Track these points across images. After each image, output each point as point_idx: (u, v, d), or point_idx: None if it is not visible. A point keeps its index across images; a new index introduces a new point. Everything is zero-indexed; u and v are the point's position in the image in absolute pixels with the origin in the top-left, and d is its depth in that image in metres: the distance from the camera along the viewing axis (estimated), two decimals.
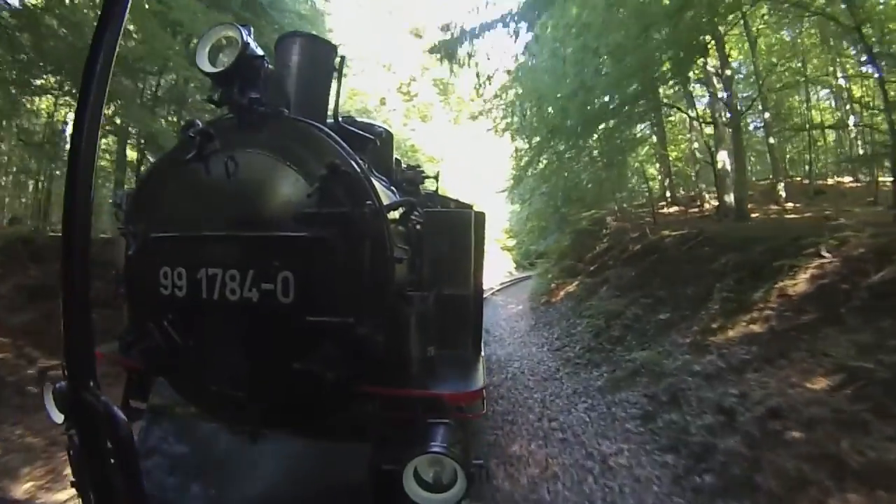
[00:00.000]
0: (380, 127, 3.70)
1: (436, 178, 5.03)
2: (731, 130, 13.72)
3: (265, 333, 2.41)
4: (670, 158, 19.36)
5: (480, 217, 3.51)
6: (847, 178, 17.38)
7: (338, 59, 3.24)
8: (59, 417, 2.48)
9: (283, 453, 2.47)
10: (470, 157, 33.09)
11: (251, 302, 2.35)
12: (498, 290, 22.97)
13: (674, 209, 17.66)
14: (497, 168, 29.60)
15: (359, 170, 2.49)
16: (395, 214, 2.69)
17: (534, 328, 13.76)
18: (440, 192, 5.84)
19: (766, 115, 16.55)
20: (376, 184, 2.65)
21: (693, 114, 16.13)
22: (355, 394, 2.46)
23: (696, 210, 16.77)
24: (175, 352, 2.54)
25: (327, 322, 2.32)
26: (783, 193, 15.18)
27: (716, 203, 14.97)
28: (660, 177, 20.84)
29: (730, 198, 13.16)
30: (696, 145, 18.27)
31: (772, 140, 17.02)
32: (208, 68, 2.40)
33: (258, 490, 2.40)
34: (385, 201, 2.59)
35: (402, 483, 2.16)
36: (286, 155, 2.48)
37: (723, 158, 13.72)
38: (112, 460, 0.95)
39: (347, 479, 2.35)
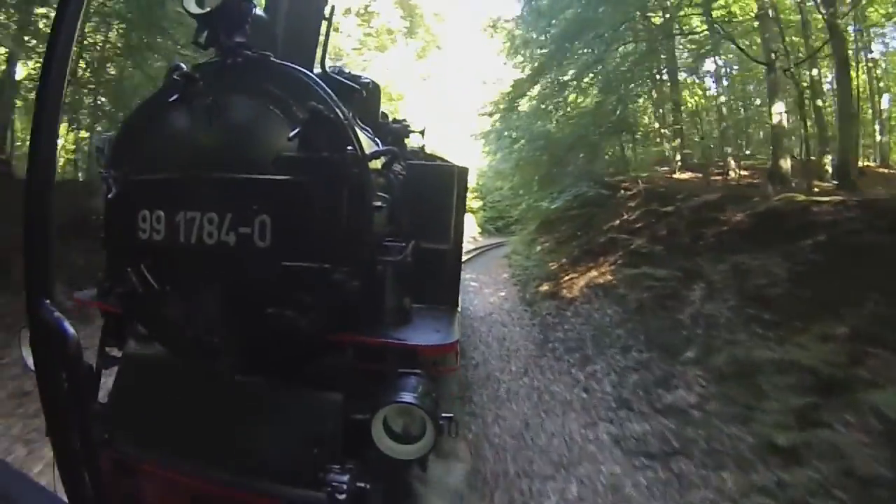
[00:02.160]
0: (367, 78, 3.85)
1: (422, 133, 5.19)
2: (810, 64, 11.99)
3: (241, 278, 2.64)
4: (683, 111, 17.11)
5: (463, 172, 3.72)
6: (871, 162, 16.80)
7: (328, 8, 3.45)
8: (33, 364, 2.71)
9: (255, 400, 2.73)
10: (436, 95, 31.89)
11: (228, 246, 2.57)
12: (464, 262, 16.78)
13: (686, 175, 15.59)
14: (465, 112, 27.96)
15: (341, 116, 2.70)
16: (377, 164, 2.93)
17: (545, 350, 8.28)
18: (426, 149, 6.05)
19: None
20: (360, 133, 2.87)
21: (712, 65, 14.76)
22: (329, 341, 2.70)
23: (719, 178, 14.49)
24: (151, 296, 2.80)
25: (303, 267, 2.54)
26: (829, 169, 12.79)
27: (741, 172, 13.85)
28: (664, 137, 18.28)
29: (786, 163, 11.91)
30: (721, 99, 16.60)
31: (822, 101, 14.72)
32: (194, 9, 2.57)
33: (229, 435, 2.65)
34: (368, 151, 2.81)
35: (370, 433, 2.39)
36: (270, 99, 2.70)
37: (779, 111, 12.06)
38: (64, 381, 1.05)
39: (319, 428, 2.58)
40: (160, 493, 2.63)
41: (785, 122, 12.26)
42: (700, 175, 15.19)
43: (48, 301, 1.00)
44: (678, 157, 16.60)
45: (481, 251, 24.40)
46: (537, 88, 16.95)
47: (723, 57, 16.94)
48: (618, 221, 12.29)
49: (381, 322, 2.89)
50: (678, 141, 16.75)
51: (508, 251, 21.57)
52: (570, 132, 15.70)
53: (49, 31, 1.07)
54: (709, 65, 17.94)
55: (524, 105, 17.86)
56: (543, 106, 16.94)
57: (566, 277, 11.91)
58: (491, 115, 19.39)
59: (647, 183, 14.30)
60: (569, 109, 16.72)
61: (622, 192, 14.20)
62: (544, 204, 17.23)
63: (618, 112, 14.52)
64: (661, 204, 11.19)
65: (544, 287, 12.36)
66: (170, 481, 2.54)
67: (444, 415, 2.46)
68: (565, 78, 15.58)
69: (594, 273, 10.81)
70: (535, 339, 9.00)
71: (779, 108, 12.13)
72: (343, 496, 2.26)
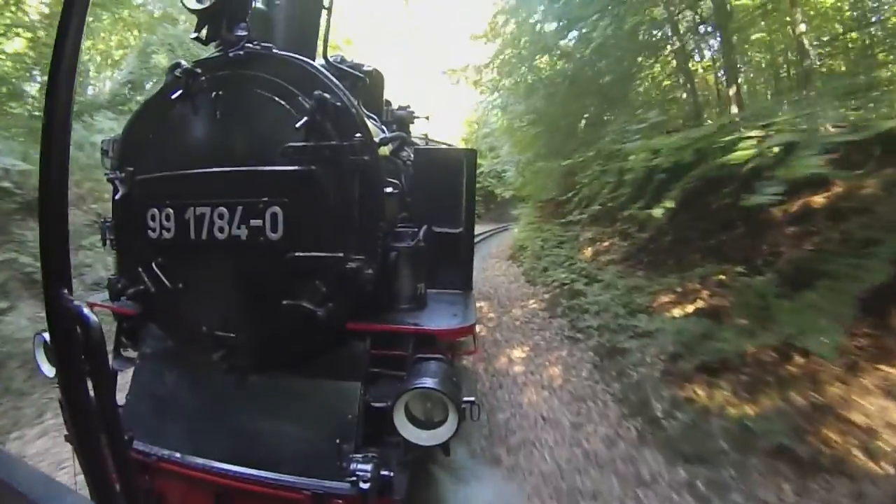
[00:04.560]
0: (370, 66, 3.94)
1: (427, 118, 5.30)
2: None
3: (254, 271, 2.74)
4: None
5: (472, 155, 3.80)
6: None
7: None
8: (49, 371, 2.89)
9: (273, 393, 2.81)
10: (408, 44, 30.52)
11: (239, 240, 2.67)
12: None
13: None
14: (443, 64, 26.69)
15: (348, 104, 2.78)
16: (385, 150, 2.99)
17: None
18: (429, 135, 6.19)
19: None
20: (367, 120, 2.95)
21: None
22: (345, 331, 2.77)
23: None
24: (164, 295, 2.91)
25: (316, 257, 2.63)
26: None
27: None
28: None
29: None
30: (801, 27, 9.70)
31: None
32: (194, 5, 2.69)
33: (248, 428, 2.74)
34: (376, 137, 2.91)
35: (392, 420, 2.45)
36: (274, 90, 2.78)
37: None
38: (87, 379, 1.03)
39: (340, 418, 2.65)
40: (182, 493, 2.71)
41: None
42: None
43: (66, 291, 1.01)
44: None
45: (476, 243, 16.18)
46: None
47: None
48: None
49: (398, 308, 2.99)
50: (735, 89, 10.61)
51: (512, 245, 16.50)
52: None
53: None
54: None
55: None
56: None
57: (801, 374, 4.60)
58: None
59: None
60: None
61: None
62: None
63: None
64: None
65: (722, 392, 4.91)
66: (192, 479, 2.61)
67: (465, 399, 2.52)
68: None
69: None
70: None
71: None
72: (367, 485, 2.31)
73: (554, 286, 9.99)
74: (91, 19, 12.46)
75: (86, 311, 1.00)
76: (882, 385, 4.15)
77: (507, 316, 9.35)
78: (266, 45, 2.94)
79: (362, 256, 2.66)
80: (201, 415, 2.85)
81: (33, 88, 10.94)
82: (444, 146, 5.68)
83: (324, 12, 3.64)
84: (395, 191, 2.92)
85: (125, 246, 3.16)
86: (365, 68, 3.83)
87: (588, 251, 10.31)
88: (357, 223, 2.70)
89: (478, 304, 7.63)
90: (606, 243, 9.89)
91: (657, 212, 7.14)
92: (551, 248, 12.16)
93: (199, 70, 2.83)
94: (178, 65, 2.90)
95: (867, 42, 10.29)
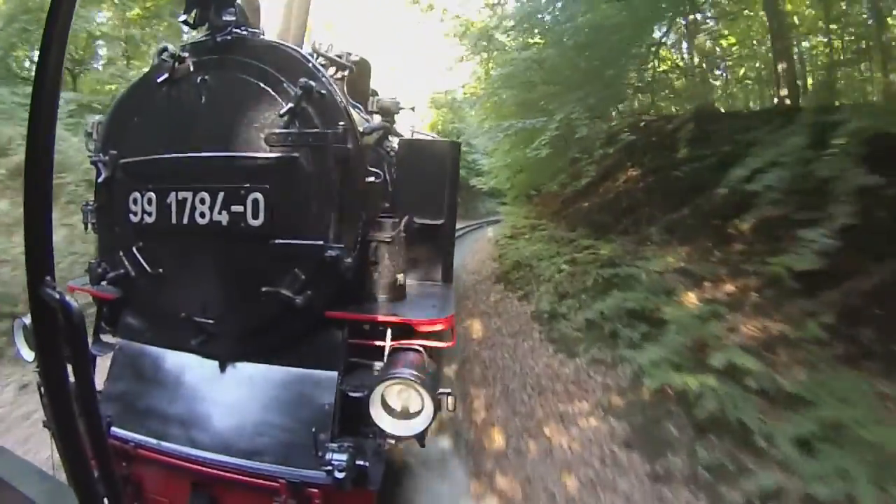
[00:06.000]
0: (356, 55, 3.96)
1: (412, 109, 5.33)
2: None
3: (234, 257, 2.76)
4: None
5: (456, 147, 3.84)
6: None
7: None
8: (28, 355, 2.88)
9: (251, 380, 2.83)
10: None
11: (220, 225, 2.69)
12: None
13: None
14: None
15: (333, 92, 2.79)
16: (369, 139, 3.01)
17: None
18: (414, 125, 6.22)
19: None
20: (352, 109, 2.97)
21: None
22: (324, 319, 2.79)
23: None
24: (144, 280, 2.93)
25: (297, 244, 2.66)
26: None
27: None
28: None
29: None
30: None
31: None
32: None
33: (226, 414, 2.76)
34: (360, 126, 2.91)
35: (368, 410, 2.49)
36: (260, 76, 2.79)
37: None
38: (67, 367, 1.04)
39: (316, 407, 2.68)
40: (159, 480, 2.72)
41: None
42: None
43: (49, 278, 1.02)
44: (780, 87, 9.40)
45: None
46: None
47: None
48: None
49: (377, 298, 3.02)
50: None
51: (496, 256, 12.23)
52: None
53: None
54: None
55: None
56: None
57: None
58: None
59: None
60: None
61: None
62: None
63: None
64: None
65: None
66: (170, 466, 2.62)
67: (441, 390, 2.56)
68: None
69: None
70: None
71: None
72: (343, 475, 2.35)
73: (643, 384, 5.10)
74: None
75: (68, 297, 1.00)
76: None
77: (547, 467, 4.24)
78: (254, 30, 2.95)
79: (342, 245, 2.69)
80: (179, 401, 2.86)
81: None
82: (429, 137, 5.72)
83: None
84: (378, 180, 2.96)
85: (107, 230, 3.16)
86: (352, 57, 3.84)
87: (691, 298, 5.67)
88: (338, 211, 2.73)
89: (472, 404, 5.42)
90: (731, 287, 5.43)
91: None
92: (592, 281, 6.97)
93: (185, 54, 2.84)
94: (165, 48, 2.90)
95: None
